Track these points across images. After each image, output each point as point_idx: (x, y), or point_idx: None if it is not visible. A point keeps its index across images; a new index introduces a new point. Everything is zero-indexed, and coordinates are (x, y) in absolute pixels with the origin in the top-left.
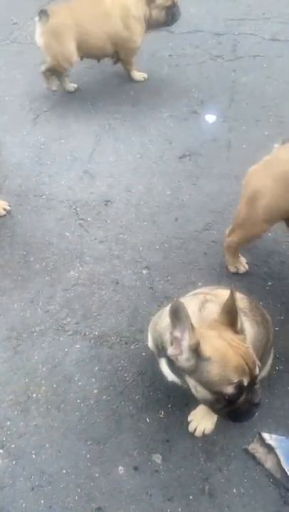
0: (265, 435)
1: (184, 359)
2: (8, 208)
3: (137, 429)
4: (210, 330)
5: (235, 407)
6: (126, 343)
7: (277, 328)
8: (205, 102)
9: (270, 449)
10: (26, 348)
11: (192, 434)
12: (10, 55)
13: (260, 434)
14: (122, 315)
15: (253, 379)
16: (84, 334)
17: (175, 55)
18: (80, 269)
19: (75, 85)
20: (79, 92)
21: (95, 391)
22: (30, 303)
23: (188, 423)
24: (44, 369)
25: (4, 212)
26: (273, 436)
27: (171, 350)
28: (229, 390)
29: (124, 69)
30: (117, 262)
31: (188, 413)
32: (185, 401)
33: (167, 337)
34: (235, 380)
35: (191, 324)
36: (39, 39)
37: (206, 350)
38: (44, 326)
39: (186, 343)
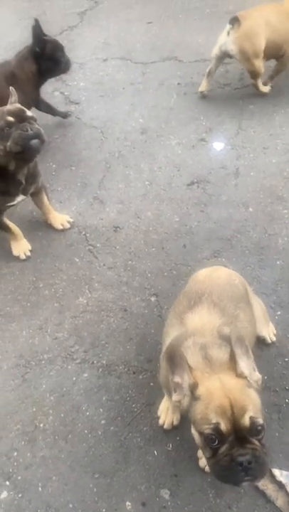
0: (276, 471)
1: (185, 401)
2: (71, 220)
3: (144, 463)
4: (209, 372)
5: (217, 459)
6: (134, 373)
7: (287, 359)
8: (213, 129)
9: (280, 486)
10: (34, 376)
11: (201, 469)
12: None
13: (270, 471)
14: (130, 343)
15: (239, 429)
16: (92, 363)
17: (183, 84)
18: (89, 295)
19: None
20: (89, 120)
21: (103, 422)
22: (39, 330)
23: (196, 457)
24: (52, 398)
25: (69, 225)
26: (284, 472)
27: (175, 397)
28: (206, 430)
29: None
30: (126, 289)
31: (197, 446)
32: None
33: None
34: (213, 421)
35: (188, 365)
36: (232, 46)
37: (200, 390)
38: (52, 353)
39: (186, 384)
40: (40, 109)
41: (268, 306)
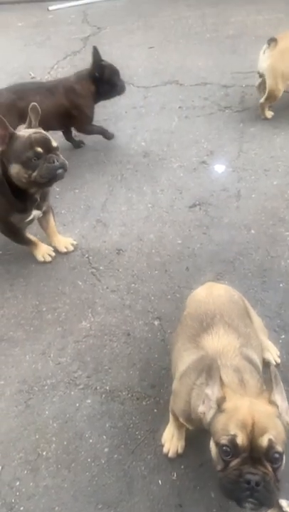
0: (283, 502)
1: (210, 413)
2: (75, 243)
3: (149, 492)
4: (243, 394)
5: (226, 472)
6: (137, 399)
7: None
8: (214, 152)
9: None
10: (37, 402)
11: (206, 499)
12: None
13: (277, 501)
14: (133, 369)
15: (255, 448)
16: (95, 389)
17: (185, 107)
18: (92, 319)
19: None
20: (93, 143)
21: (106, 450)
22: (42, 355)
23: (201, 486)
24: (55, 425)
25: (72, 248)
26: None
27: (201, 408)
28: (222, 440)
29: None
30: (129, 313)
31: (202, 475)
32: (198, 462)
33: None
34: (231, 432)
35: (221, 379)
36: (265, 63)
37: (227, 404)
38: (55, 379)
39: (214, 397)
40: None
41: (271, 330)
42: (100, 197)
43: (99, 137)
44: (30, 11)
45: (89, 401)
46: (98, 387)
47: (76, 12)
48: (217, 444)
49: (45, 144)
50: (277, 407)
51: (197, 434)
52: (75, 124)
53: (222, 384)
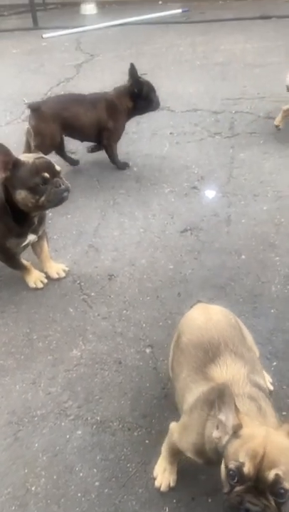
0: None
1: (225, 438)
2: (67, 269)
3: None
4: (262, 423)
5: (230, 496)
6: (129, 430)
7: (284, 413)
8: (205, 177)
9: None
10: (27, 435)
11: None
12: (21, 134)
13: None
14: (124, 398)
15: (261, 480)
16: (86, 419)
17: (176, 133)
18: (83, 347)
19: None
20: (86, 168)
21: (97, 483)
22: (32, 384)
23: None
24: (44, 458)
25: (64, 274)
26: None
27: (216, 433)
28: (230, 465)
29: None
30: (120, 340)
31: (194, 509)
32: (190, 496)
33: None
34: (240, 460)
35: (235, 406)
36: None
37: (244, 430)
38: (45, 409)
39: (230, 423)
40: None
41: (263, 357)
42: (93, 222)
43: (92, 162)
44: (25, 39)
45: (79, 432)
46: (89, 418)
47: (69, 40)
48: (226, 467)
49: (51, 169)
50: None
51: (189, 467)
52: (104, 138)
53: (237, 411)
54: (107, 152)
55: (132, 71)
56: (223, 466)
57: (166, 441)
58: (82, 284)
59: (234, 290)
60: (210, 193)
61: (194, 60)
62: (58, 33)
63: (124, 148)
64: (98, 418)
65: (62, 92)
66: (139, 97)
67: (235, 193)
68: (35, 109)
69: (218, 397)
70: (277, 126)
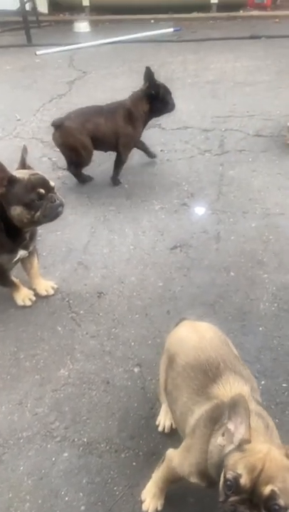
0: None
1: (229, 447)
2: (56, 286)
3: None
4: (267, 441)
5: (224, 505)
6: (116, 451)
7: None
8: (194, 194)
9: None
10: (12, 457)
11: None
12: (13, 149)
13: None
14: (112, 419)
15: (256, 494)
16: (72, 441)
17: (166, 150)
18: (71, 366)
19: None
20: (77, 185)
21: (82, 507)
22: (19, 405)
23: None
24: (30, 482)
25: (53, 292)
26: None
27: (221, 441)
28: (228, 475)
29: None
30: (109, 359)
31: None
32: None
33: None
34: (238, 471)
35: (250, 422)
36: None
37: (248, 446)
38: (32, 431)
39: (239, 436)
40: (137, 147)
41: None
42: (82, 239)
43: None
44: (18, 55)
45: (66, 454)
46: (76, 439)
47: (63, 57)
48: (224, 476)
49: (46, 184)
50: None
51: (178, 489)
52: (120, 144)
53: (250, 427)
54: (119, 159)
55: (149, 74)
56: (222, 475)
57: (162, 469)
58: (71, 301)
59: (223, 307)
60: (200, 210)
61: (185, 78)
62: (51, 50)
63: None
64: (85, 439)
65: (55, 109)
66: (155, 99)
67: (225, 210)
68: (59, 126)
69: (231, 407)
70: (287, 141)
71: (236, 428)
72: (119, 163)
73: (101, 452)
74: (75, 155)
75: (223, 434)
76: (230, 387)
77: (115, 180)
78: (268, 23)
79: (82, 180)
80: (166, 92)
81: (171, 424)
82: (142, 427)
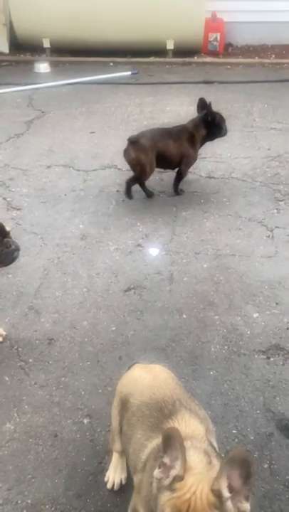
0: None
1: (163, 483)
2: (4, 333)
3: None
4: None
5: None
6: None
7: None
8: (149, 235)
9: None
10: None
11: None
12: None
13: None
14: (58, 476)
15: None
16: (16, 503)
17: (122, 191)
18: (18, 420)
19: None
20: (30, 226)
21: None
22: None
23: None
24: None
25: (1, 339)
26: None
27: (157, 473)
28: None
29: None
30: (57, 411)
31: None
32: None
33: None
34: None
35: (185, 457)
36: None
37: (181, 483)
38: None
39: (175, 472)
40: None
41: None
42: (34, 282)
43: (36, 220)
44: None
45: None
46: (19, 501)
47: (22, 96)
48: None
49: (1, 230)
50: (219, 496)
51: None
52: (183, 164)
53: (185, 462)
54: (180, 175)
55: (203, 103)
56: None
57: None
58: (20, 349)
59: (175, 352)
60: (154, 251)
61: (142, 119)
62: (10, 90)
63: (70, 205)
64: (29, 501)
65: (12, 148)
66: (212, 124)
67: (178, 250)
68: (135, 142)
69: (165, 439)
70: None
71: (172, 462)
72: (180, 178)
73: None
74: (140, 170)
75: (159, 467)
76: (186, 424)
77: (177, 190)
78: (219, 69)
79: (148, 194)
80: (222, 119)
81: (121, 481)
82: (89, 484)
